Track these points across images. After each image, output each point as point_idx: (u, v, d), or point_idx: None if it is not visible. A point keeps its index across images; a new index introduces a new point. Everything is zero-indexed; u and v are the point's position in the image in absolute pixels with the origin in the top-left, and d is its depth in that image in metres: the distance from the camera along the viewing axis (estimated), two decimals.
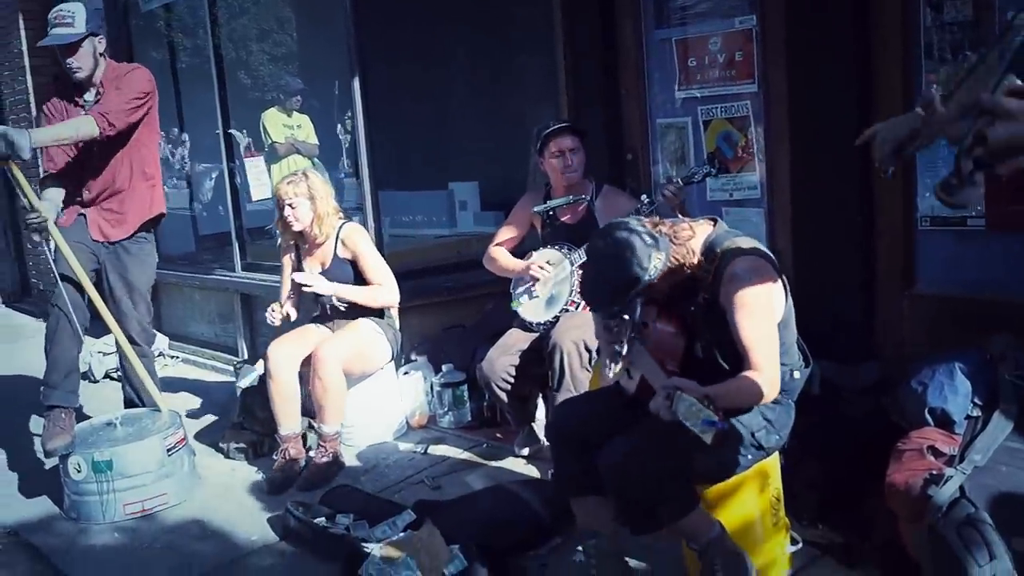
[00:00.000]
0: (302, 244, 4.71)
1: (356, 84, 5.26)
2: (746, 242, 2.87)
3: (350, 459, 4.58)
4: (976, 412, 3.03)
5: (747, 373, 2.69)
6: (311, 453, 4.47)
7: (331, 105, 6.74)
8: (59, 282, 4.33)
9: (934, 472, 2.83)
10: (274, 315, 4.61)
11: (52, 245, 4.38)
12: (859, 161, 3.79)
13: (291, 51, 9.04)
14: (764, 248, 2.90)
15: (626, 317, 2.86)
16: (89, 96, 4.46)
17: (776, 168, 4.26)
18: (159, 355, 6.82)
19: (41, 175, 4.50)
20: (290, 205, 4.52)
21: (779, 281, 2.86)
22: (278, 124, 7.61)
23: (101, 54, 4.46)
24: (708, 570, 2.82)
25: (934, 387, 3.10)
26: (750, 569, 2.83)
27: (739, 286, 2.73)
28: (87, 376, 6.46)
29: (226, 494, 4.28)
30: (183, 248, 7.78)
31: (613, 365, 3.03)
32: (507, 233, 4.52)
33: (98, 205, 4.54)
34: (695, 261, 2.86)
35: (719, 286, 2.79)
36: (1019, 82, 1.61)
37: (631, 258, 2.74)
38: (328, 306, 4.69)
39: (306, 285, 4.55)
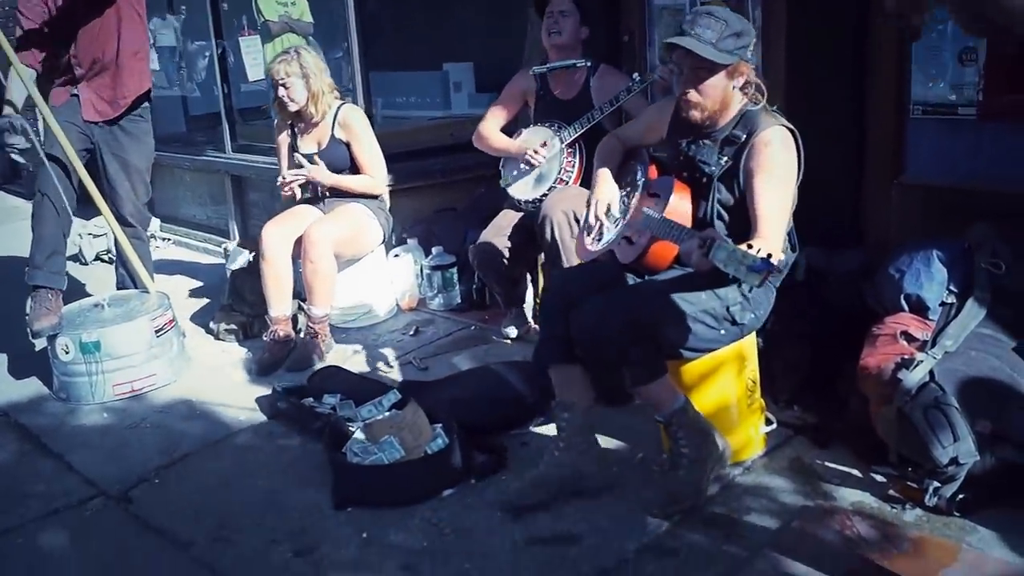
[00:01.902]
0: (298, 123, 4.67)
1: None
2: (782, 118, 2.92)
3: (340, 340, 4.61)
4: (951, 299, 3.07)
5: (755, 239, 2.67)
6: (300, 335, 4.50)
7: None
8: (46, 162, 4.29)
9: (905, 356, 2.88)
10: (286, 182, 4.61)
11: (40, 126, 4.33)
12: (853, 48, 3.74)
13: None
14: (794, 129, 2.92)
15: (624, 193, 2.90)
16: None
17: (772, 49, 4.19)
18: (151, 237, 6.84)
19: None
20: (283, 85, 4.47)
21: (799, 164, 2.90)
22: (271, 2, 7.44)
23: None
24: (673, 442, 2.90)
25: (911, 274, 3.13)
26: (718, 445, 2.91)
27: (770, 151, 2.79)
28: (78, 258, 6.50)
29: (215, 375, 4.33)
30: (173, 129, 7.70)
31: (598, 237, 3.05)
32: (498, 111, 4.43)
33: (90, 83, 4.48)
34: (733, 114, 2.90)
35: (749, 149, 2.82)
36: None
37: (746, 22, 2.84)
38: (320, 188, 4.68)
39: (308, 174, 4.54)
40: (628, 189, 3.19)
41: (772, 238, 2.70)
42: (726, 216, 2.91)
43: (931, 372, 2.81)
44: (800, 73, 4.02)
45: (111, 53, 4.46)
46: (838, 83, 3.89)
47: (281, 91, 4.49)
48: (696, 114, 2.90)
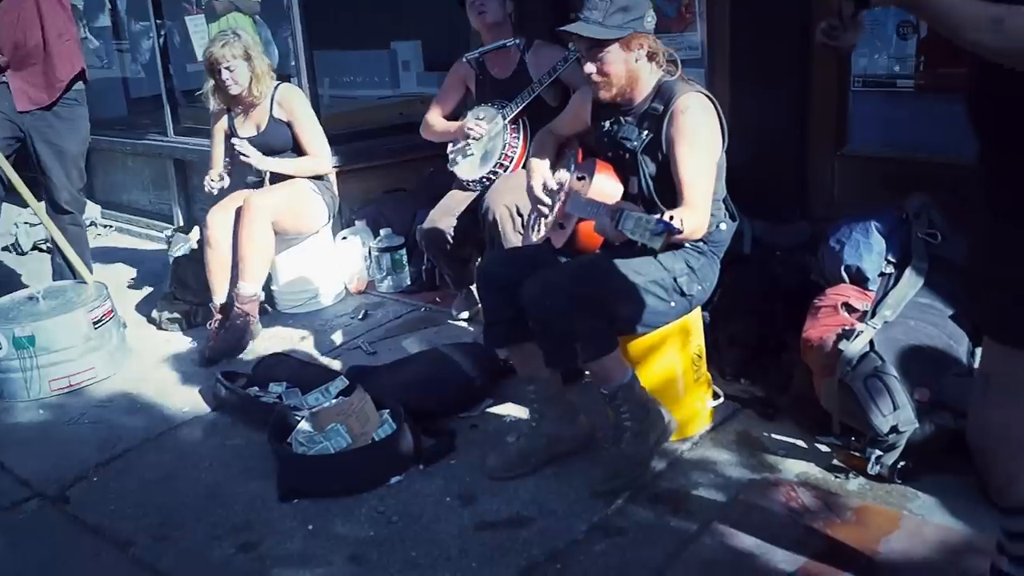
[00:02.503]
0: (235, 108, 4.59)
1: None
2: (699, 85, 2.94)
3: (286, 326, 4.56)
4: (889, 269, 3.10)
5: (682, 207, 2.72)
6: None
7: None
8: None
9: (846, 327, 2.90)
10: (213, 184, 4.52)
11: None
12: (797, 21, 3.75)
13: None
14: (714, 98, 2.94)
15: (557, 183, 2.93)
16: None
17: (716, 28, 4.20)
18: (91, 224, 6.71)
19: None
20: (227, 68, 4.39)
21: (721, 129, 2.92)
22: None
23: None
24: (617, 415, 2.91)
25: (850, 245, 3.16)
26: (663, 418, 2.91)
27: (687, 118, 2.80)
28: (14, 248, 6.38)
29: (158, 366, 4.25)
30: (114, 112, 7.55)
31: (539, 226, 3.06)
32: (441, 101, 4.44)
33: (18, 72, 4.39)
34: (648, 88, 2.91)
35: (667, 119, 2.83)
36: None
37: None
38: (262, 174, 4.61)
39: (244, 155, 4.45)
40: (562, 175, 3.18)
41: (698, 204, 2.75)
42: (656, 189, 2.91)
43: (871, 342, 2.83)
44: (745, 49, 4.04)
45: (35, 40, 4.37)
46: (783, 58, 3.90)
47: (225, 75, 4.40)
48: (606, 93, 2.92)
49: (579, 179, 3.06)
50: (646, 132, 2.90)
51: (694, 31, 4.31)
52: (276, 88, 4.55)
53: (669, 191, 2.82)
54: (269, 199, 4.40)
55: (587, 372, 3.52)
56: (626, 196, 2.97)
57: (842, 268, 3.16)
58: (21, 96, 4.40)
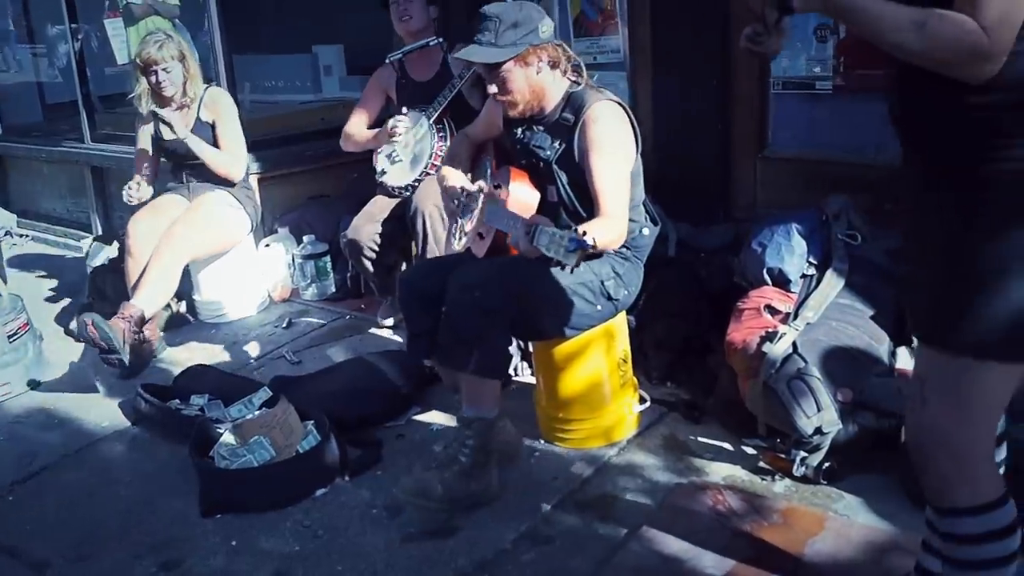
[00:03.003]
0: (154, 108, 4.46)
1: None
2: (610, 93, 2.93)
3: (209, 336, 4.48)
4: (811, 271, 3.14)
5: (596, 219, 2.73)
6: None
7: None
8: None
9: (769, 330, 2.92)
10: (131, 193, 4.40)
11: None
12: (718, 25, 3.78)
13: None
14: (625, 103, 2.93)
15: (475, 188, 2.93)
16: None
17: (638, 32, 4.22)
18: (6, 234, 6.54)
19: None
20: (164, 70, 4.31)
21: (634, 135, 2.91)
22: None
23: None
24: (459, 445, 2.86)
25: (772, 247, 3.18)
26: (493, 478, 2.86)
27: (597, 129, 2.79)
28: None
29: (77, 379, 4.13)
30: (30, 118, 7.38)
31: (461, 235, 3.03)
32: (362, 110, 4.40)
33: None
34: (557, 98, 2.89)
35: (579, 129, 2.82)
36: None
37: (529, 5, 2.84)
38: (185, 173, 4.53)
39: (167, 122, 4.35)
40: (479, 183, 3.15)
41: (615, 213, 2.74)
42: (575, 197, 2.90)
43: (794, 344, 2.85)
44: (666, 51, 4.07)
45: None
46: (704, 60, 3.93)
47: (161, 76, 4.32)
48: (513, 110, 2.91)
49: (495, 187, 3.04)
50: (558, 142, 2.89)
51: (616, 34, 4.32)
52: (205, 90, 4.49)
53: (588, 199, 2.81)
54: (192, 237, 4.31)
55: (513, 376, 3.53)
56: (545, 204, 2.95)
57: (764, 270, 3.18)
58: None
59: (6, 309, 4.14)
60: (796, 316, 2.98)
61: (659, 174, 4.06)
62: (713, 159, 4.03)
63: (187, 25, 6.42)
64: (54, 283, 5.59)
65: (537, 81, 2.85)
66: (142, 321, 4.04)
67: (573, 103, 2.88)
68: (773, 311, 3.06)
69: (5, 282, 4.56)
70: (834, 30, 3.64)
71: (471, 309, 2.72)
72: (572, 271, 2.37)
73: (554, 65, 2.86)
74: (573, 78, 2.92)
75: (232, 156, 4.49)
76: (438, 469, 2.86)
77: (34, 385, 4.05)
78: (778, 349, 2.82)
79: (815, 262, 3.14)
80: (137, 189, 4.39)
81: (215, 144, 4.47)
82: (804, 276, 3.13)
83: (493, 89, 2.87)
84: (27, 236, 6.77)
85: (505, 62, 2.78)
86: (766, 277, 3.18)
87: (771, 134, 3.95)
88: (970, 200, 1.69)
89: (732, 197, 4.05)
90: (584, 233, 2.32)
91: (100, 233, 6.09)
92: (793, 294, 3.12)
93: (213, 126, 4.46)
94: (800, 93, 3.81)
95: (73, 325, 4.57)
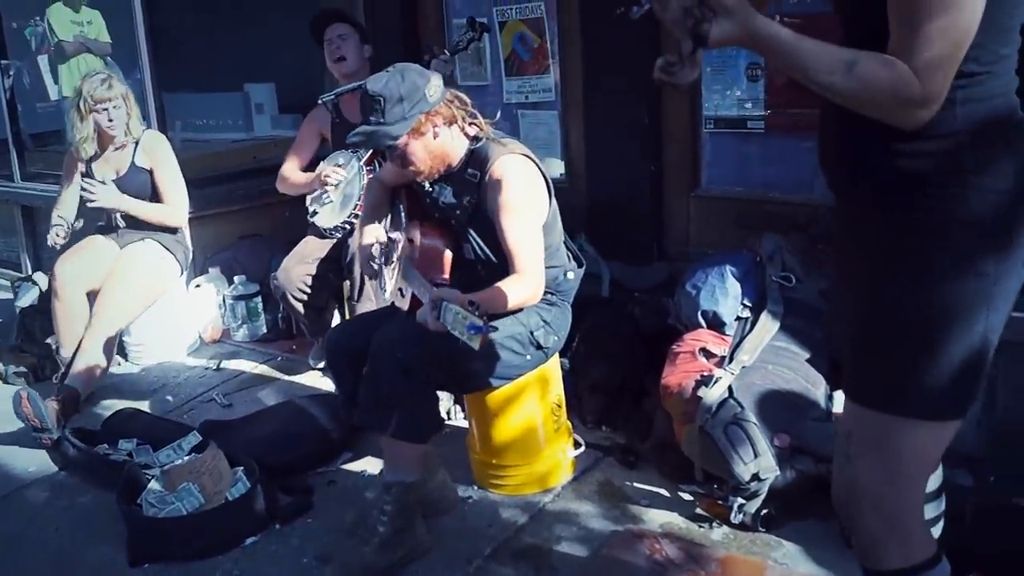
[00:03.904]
0: (95, 151, 4.38)
1: None
2: (515, 144, 2.88)
3: (137, 378, 4.39)
4: (746, 313, 3.13)
5: (511, 276, 2.71)
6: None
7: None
8: None
9: (705, 374, 2.91)
10: (58, 239, 4.32)
11: None
12: (649, 64, 3.77)
13: None
14: (528, 151, 2.90)
15: (394, 237, 2.89)
16: None
17: (569, 71, 4.24)
18: None
19: None
20: (115, 107, 4.23)
21: (543, 183, 2.88)
22: (65, 20, 7.11)
23: None
24: (377, 511, 2.81)
25: (706, 290, 3.17)
26: (418, 540, 2.82)
27: (503, 187, 2.75)
28: None
29: (2, 422, 4.00)
30: None
31: (388, 282, 2.98)
32: (297, 152, 4.38)
33: None
34: (461, 153, 2.86)
35: (485, 187, 2.79)
36: None
37: (412, 69, 2.77)
38: (114, 217, 4.43)
39: (91, 197, 4.25)
40: (396, 233, 3.09)
41: (529, 268, 2.72)
42: (491, 254, 2.86)
43: (730, 388, 2.84)
44: (598, 90, 4.07)
45: None
46: (635, 99, 3.93)
47: (113, 114, 4.23)
48: (421, 176, 2.88)
49: (409, 241, 2.99)
50: (467, 199, 2.85)
51: (548, 74, 4.34)
52: (143, 134, 4.39)
53: (499, 255, 2.79)
54: (124, 302, 4.24)
55: (446, 420, 3.47)
56: (462, 262, 2.91)
57: (699, 313, 3.17)
58: None
59: None
60: (731, 359, 2.97)
61: (592, 213, 4.10)
62: (646, 198, 4.03)
63: (118, 62, 6.36)
64: None
65: (436, 146, 2.81)
66: (78, 402, 3.93)
67: (476, 158, 2.84)
68: (708, 354, 3.05)
69: None
70: (765, 69, 3.66)
71: (391, 369, 2.66)
72: (478, 348, 2.34)
73: (450, 123, 2.81)
74: (473, 132, 2.87)
75: (171, 206, 4.41)
76: (359, 542, 2.80)
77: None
78: (714, 394, 2.81)
79: (750, 304, 3.13)
80: (65, 234, 4.32)
81: (152, 189, 4.38)
82: (739, 319, 3.13)
83: (396, 164, 2.85)
84: None
85: (398, 139, 2.75)
86: (700, 320, 3.17)
87: (704, 173, 3.96)
88: (896, 248, 1.64)
89: (665, 236, 4.05)
90: (485, 319, 2.30)
91: (29, 273, 5.96)
92: (728, 337, 3.11)
93: (151, 172, 4.37)
94: (732, 132, 3.83)
95: (0, 367, 4.54)
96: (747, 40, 1.55)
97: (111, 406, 4.03)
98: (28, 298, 4.73)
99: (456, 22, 4.64)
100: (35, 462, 3.63)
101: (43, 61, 6.46)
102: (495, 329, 2.34)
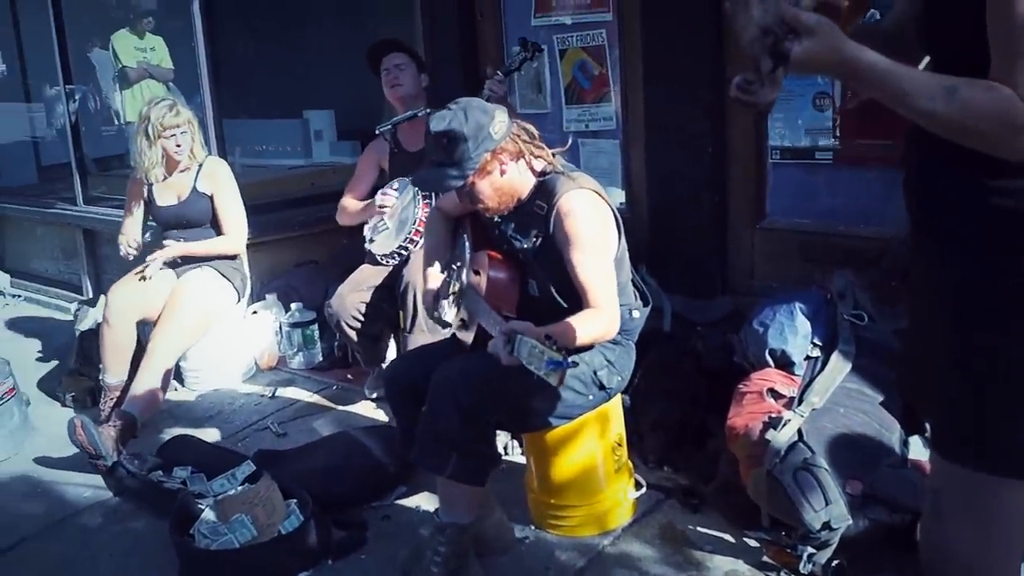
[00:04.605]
0: (163, 175, 4.41)
1: (194, 5, 4.99)
2: (584, 178, 2.80)
3: (193, 405, 4.39)
4: (816, 353, 3.02)
5: (586, 311, 2.63)
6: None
7: (188, 27, 6.38)
8: None
9: (773, 415, 2.80)
10: (131, 249, 4.37)
11: None
12: (713, 93, 3.73)
13: None
14: (598, 185, 2.83)
15: (456, 267, 2.82)
16: None
17: (631, 99, 4.18)
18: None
19: None
20: (181, 133, 4.26)
21: (613, 219, 2.80)
22: (129, 47, 7.28)
23: None
24: (432, 552, 2.74)
25: (775, 328, 3.07)
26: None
27: (574, 221, 2.67)
28: None
29: (60, 446, 4.00)
30: (25, 179, 7.38)
31: (449, 310, 2.92)
32: (356, 184, 4.38)
33: None
34: (529, 187, 2.79)
35: (553, 221, 2.71)
36: None
37: (475, 106, 2.68)
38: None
39: (153, 267, 4.29)
40: (458, 264, 3.03)
41: (604, 305, 2.64)
42: (556, 291, 2.78)
43: (799, 431, 2.73)
44: (660, 119, 4.01)
45: None
46: (699, 129, 3.87)
47: (180, 139, 4.26)
48: (491, 213, 2.83)
49: (475, 272, 2.92)
50: (535, 234, 2.78)
51: (609, 102, 4.30)
52: (205, 159, 4.42)
53: (570, 292, 2.70)
54: (182, 330, 4.22)
55: (503, 455, 3.40)
56: (526, 298, 2.85)
57: (767, 352, 3.07)
58: None
59: None
60: (801, 401, 2.86)
61: (653, 245, 4.02)
62: (709, 229, 3.95)
63: (180, 88, 6.44)
64: (43, 346, 5.52)
65: (503, 183, 2.74)
66: (134, 428, 3.90)
67: (545, 191, 2.76)
68: (776, 395, 2.94)
69: None
70: (832, 100, 3.57)
71: (450, 409, 2.60)
72: (556, 386, 2.26)
73: (517, 158, 2.74)
74: (540, 166, 2.80)
75: (230, 234, 4.42)
76: None
77: None
78: (782, 437, 2.70)
79: (820, 344, 3.02)
80: (137, 248, 4.37)
81: (212, 214, 4.40)
82: (808, 358, 3.01)
83: (465, 203, 2.80)
84: (20, 296, 6.73)
85: (464, 181, 2.69)
86: (768, 359, 3.07)
87: (769, 204, 3.87)
88: (989, 293, 1.52)
89: (729, 269, 3.96)
90: (565, 354, 2.22)
91: (90, 296, 6.04)
92: (797, 377, 3.00)
93: (211, 198, 4.38)
94: (799, 163, 3.74)
95: (59, 391, 4.59)
96: (834, 62, 1.45)
97: (167, 432, 4.05)
98: (87, 322, 4.74)
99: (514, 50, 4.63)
100: (91, 487, 3.65)
101: (109, 86, 6.57)
102: (575, 365, 2.25)
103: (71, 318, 5.54)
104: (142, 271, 4.32)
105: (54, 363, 5.16)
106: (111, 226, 5.62)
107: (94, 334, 4.59)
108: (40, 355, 5.36)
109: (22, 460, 3.95)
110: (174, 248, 4.32)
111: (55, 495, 3.64)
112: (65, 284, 6.54)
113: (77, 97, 6.37)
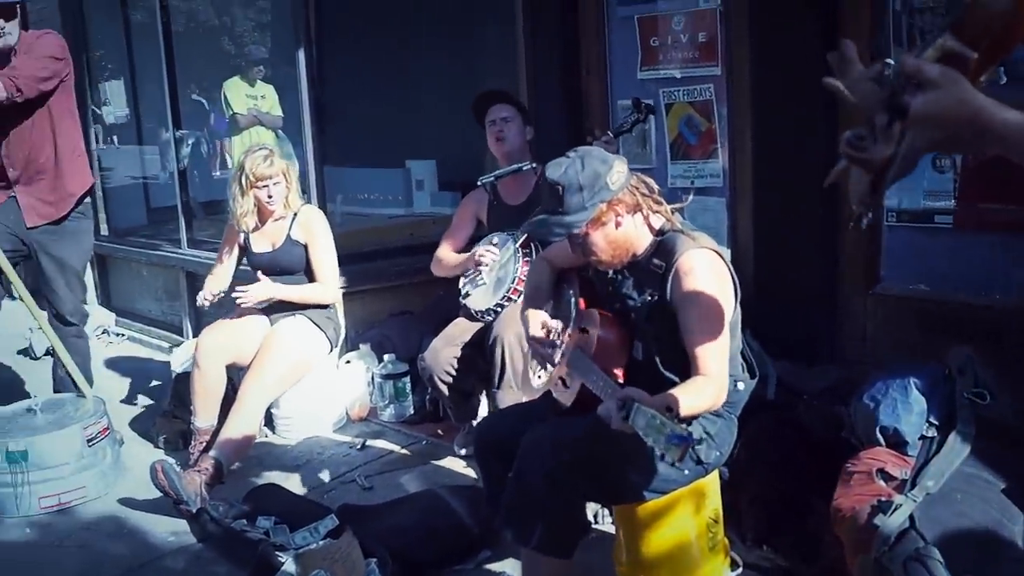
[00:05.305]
0: (255, 224, 4.41)
1: (300, 54, 5.04)
2: (704, 238, 2.67)
3: (283, 453, 4.37)
4: (931, 432, 2.81)
5: (695, 379, 2.47)
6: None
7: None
8: None
9: (883, 499, 2.60)
10: (207, 300, 4.34)
11: None
12: (824, 151, 3.59)
13: (263, 20, 8.80)
14: (718, 246, 2.70)
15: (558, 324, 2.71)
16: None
17: (738, 156, 4.06)
18: (103, 332, 6.65)
19: None
20: (275, 183, 4.25)
21: (732, 283, 2.66)
22: (240, 94, 7.45)
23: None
24: None
25: (887, 404, 2.87)
26: None
27: (693, 281, 2.54)
28: (27, 352, 6.28)
29: (150, 488, 3.97)
30: (134, 221, 7.57)
31: (542, 372, 2.81)
32: (453, 235, 4.34)
33: (28, 187, 4.36)
34: (646, 242, 2.67)
35: (671, 281, 2.57)
36: (954, 42, 1.32)
37: (594, 155, 2.59)
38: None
39: (243, 299, 4.27)
40: (563, 319, 2.93)
41: (715, 373, 2.48)
42: (664, 357, 2.64)
43: (911, 517, 2.53)
44: (769, 177, 3.89)
45: (48, 156, 4.36)
46: (810, 187, 3.70)
47: (272, 190, 4.25)
48: (603, 266, 2.71)
49: (581, 330, 2.79)
50: (648, 293, 2.64)
51: (716, 158, 4.20)
52: (300, 207, 4.41)
53: (677, 358, 2.56)
54: (274, 376, 4.23)
55: (592, 524, 3.27)
56: (631, 362, 2.71)
57: (877, 429, 2.87)
58: (30, 211, 4.38)
59: (88, 412, 4.19)
60: (914, 485, 2.65)
61: (759, 307, 3.84)
62: (818, 293, 3.80)
63: (288, 135, 6.55)
64: (141, 385, 5.58)
65: (618, 236, 2.62)
66: (222, 473, 3.89)
67: (663, 249, 2.63)
68: (887, 477, 2.74)
69: (91, 383, 4.54)
70: (953, 161, 3.41)
71: (539, 476, 2.49)
72: (674, 464, 2.11)
73: (634, 212, 2.63)
74: (659, 223, 2.68)
75: (324, 285, 4.40)
76: None
77: None
78: (893, 523, 2.50)
79: (936, 423, 2.81)
80: (213, 299, 4.34)
81: (306, 263, 4.39)
82: (923, 438, 2.80)
83: (577, 253, 2.69)
84: (123, 335, 6.84)
85: (576, 231, 2.59)
86: (879, 437, 2.87)
87: (884, 269, 3.71)
88: None
89: (839, 336, 3.80)
90: (689, 430, 2.08)
91: (191, 337, 6.12)
92: (910, 458, 2.78)
93: (305, 247, 4.38)
94: (917, 226, 3.58)
95: (153, 432, 4.64)
96: (961, 117, 1.28)
97: (256, 478, 4.06)
98: (184, 363, 4.75)
99: (621, 103, 4.56)
100: (176, 530, 3.65)
101: (220, 131, 6.73)
102: (700, 442, 2.12)
103: (169, 358, 5.63)
104: (237, 311, 4.36)
105: (150, 403, 5.21)
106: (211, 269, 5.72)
107: (188, 377, 4.62)
108: (137, 395, 5.42)
109: (112, 500, 3.98)
110: (268, 287, 4.30)
111: (140, 537, 3.65)
112: (167, 325, 6.65)
113: (190, 142, 6.52)
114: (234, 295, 4.30)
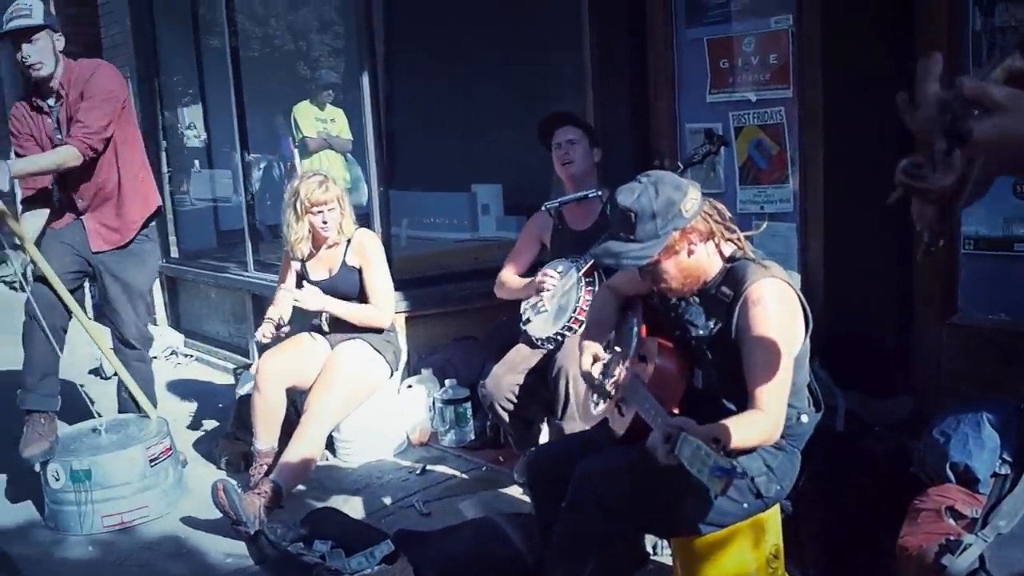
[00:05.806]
0: (310, 250, 4.42)
1: (365, 78, 5.04)
2: (776, 268, 2.59)
3: (343, 476, 4.37)
4: (1004, 470, 2.69)
5: (749, 412, 2.40)
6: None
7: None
8: (32, 282, 4.22)
9: (951, 538, 2.49)
10: (265, 337, 4.30)
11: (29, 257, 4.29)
12: (895, 183, 3.48)
13: (337, 45, 8.94)
14: (790, 277, 2.62)
15: (619, 351, 2.61)
16: (52, 101, 4.29)
17: (810, 181, 3.96)
18: (172, 353, 6.73)
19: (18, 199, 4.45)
20: (330, 210, 4.23)
21: (803, 316, 2.57)
22: (310, 118, 7.53)
23: (60, 52, 4.27)
24: None
25: (958, 439, 2.75)
26: None
27: (761, 311, 2.46)
28: (98, 372, 6.37)
29: (210, 508, 3.98)
30: (204, 244, 7.70)
31: (600, 401, 2.74)
32: (516, 258, 4.29)
33: (94, 213, 4.42)
34: (716, 270, 2.60)
35: (739, 310, 2.50)
36: (1020, 62, 1.24)
37: (668, 181, 2.52)
38: (320, 320, 4.44)
39: (296, 301, 4.29)
40: (623, 346, 2.85)
41: (770, 409, 2.40)
42: (724, 387, 2.56)
43: (981, 558, 2.42)
44: (841, 203, 3.80)
45: (112, 182, 4.40)
46: (883, 214, 3.61)
47: (328, 216, 4.23)
48: (673, 294, 2.64)
49: (640, 358, 2.73)
50: (714, 321, 2.57)
51: (787, 184, 4.09)
52: (355, 233, 4.39)
53: (739, 388, 2.48)
54: (336, 401, 4.22)
55: (651, 555, 3.19)
56: (689, 390, 2.64)
57: (948, 465, 2.75)
58: (95, 236, 4.42)
59: (152, 432, 4.22)
60: (985, 524, 2.54)
61: (829, 335, 3.75)
62: (892, 323, 3.71)
63: (357, 159, 6.58)
64: (206, 406, 5.62)
65: (690, 264, 2.56)
66: (281, 497, 3.88)
67: (734, 277, 2.55)
68: (957, 515, 2.62)
69: (155, 404, 4.58)
70: None
71: (592, 507, 2.43)
72: (716, 497, 2.04)
73: (707, 239, 2.57)
74: (730, 250, 2.61)
75: (378, 308, 4.37)
76: None
77: None
78: (962, 563, 2.39)
79: (1010, 460, 2.69)
80: (273, 334, 4.31)
81: (361, 289, 4.37)
82: (996, 476, 2.68)
83: (647, 282, 2.64)
84: (191, 357, 6.93)
85: (650, 259, 2.52)
86: (949, 473, 2.75)
87: (960, 298, 3.58)
88: None
89: (913, 366, 3.69)
90: (734, 461, 2.03)
91: (256, 359, 6.15)
92: (982, 496, 2.66)
93: (360, 271, 4.36)
94: (996, 254, 3.46)
95: (215, 453, 4.67)
96: None
97: (315, 501, 4.04)
98: (247, 386, 4.77)
99: (689, 127, 4.49)
100: (234, 551, 3.65)
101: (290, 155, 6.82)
102: (745, 476, 2.04)
103: (233, 381, 5.67)
104: (293, 338, 4.38)
105: (215, 425, 5.25)
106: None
107: (250, 399, 4.64)
108: (202, 416, 5.46)
109: (173, 520, 4.00)
110: (320, 297, 4.30)
111: (199, 558, 3.67)
112: (234, 347, 6.72)
113: (262, 165, 6.59)
114: (285, 292, 4.34)
